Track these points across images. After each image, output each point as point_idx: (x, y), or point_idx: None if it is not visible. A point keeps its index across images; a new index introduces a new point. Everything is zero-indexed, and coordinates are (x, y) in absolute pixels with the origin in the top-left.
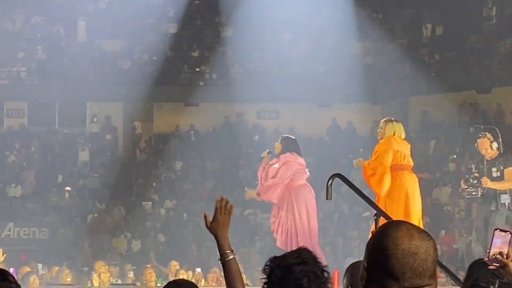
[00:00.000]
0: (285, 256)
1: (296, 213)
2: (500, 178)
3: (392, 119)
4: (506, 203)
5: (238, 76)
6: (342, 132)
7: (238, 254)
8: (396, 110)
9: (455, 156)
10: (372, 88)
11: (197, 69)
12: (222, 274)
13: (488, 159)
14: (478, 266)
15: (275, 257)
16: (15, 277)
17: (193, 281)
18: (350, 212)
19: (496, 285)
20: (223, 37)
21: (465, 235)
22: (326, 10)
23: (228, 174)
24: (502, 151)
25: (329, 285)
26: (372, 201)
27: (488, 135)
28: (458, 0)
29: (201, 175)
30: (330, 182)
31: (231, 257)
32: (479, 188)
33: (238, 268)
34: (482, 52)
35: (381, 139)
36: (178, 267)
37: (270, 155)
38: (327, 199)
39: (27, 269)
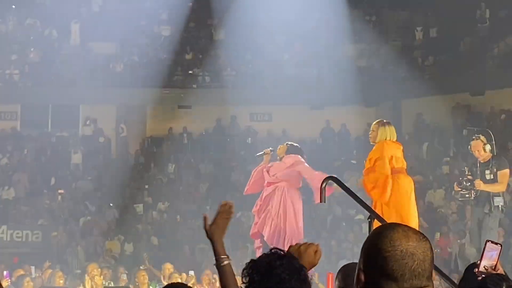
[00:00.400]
0: (261, 256)
1: (288, 211)
2: (494, 181)
3: (384, 121)
4: (500, 206)
5: (231, 78)
6: (336, 135)
7: (231, 256)
8: (390, 112)
9: (448, 158)
10: (366, 90)
11: (190, 72)
12: (215, 276)
13: (481, 161)
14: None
15: (252, 260)
16: (9, 280)
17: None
18: (343, 215)
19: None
20: (216, 39)
21: (458, 238)
22: (319, 12)
23: (221, 176)
24: (495, 154)
25: (309, 280)
26: (366, 204)
27: (482, 137)
28: (452, 2)
29: (194, 177)
30: (324, 184)
31: (226, 262)
32: (472, 191)
33: (233, 273)
34: (475, 55)
35: (373, 142)
36: (172, 270)
37: (272, 153)
38: (320, 201)
39: (21, 272)
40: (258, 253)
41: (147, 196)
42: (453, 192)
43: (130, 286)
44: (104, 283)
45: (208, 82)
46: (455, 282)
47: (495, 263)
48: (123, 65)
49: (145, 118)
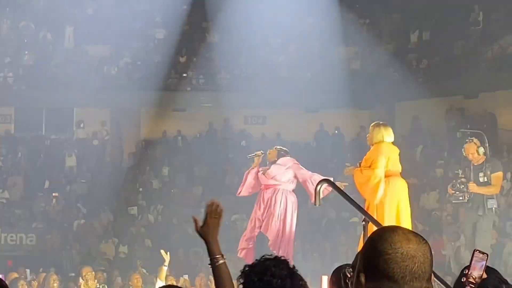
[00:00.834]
0: (257, 262)
1: (287, 213)
2: (487, 183)
3: (381, 123)
4: (493, 208)
5: (225, 81)
6: (330, 138)
7: (226, 259)
8: (383, 115)
9: (442, 161)
10: (359, 93)
11: (184, 75)
12: (211, 278)
13: (475, 164)
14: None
15: (248, 265)
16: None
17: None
18: (337, 218)
19: None
20: (210, 42)
21: (452, 241)
22: (313, 15)
23: (215, 179)
24: (489, 156)
25: (302, 283)
26: (361, 207)
27: (475, 140)
28: (445, 5)
29: (188, 180)
30: (318, 187)
31: (221, 261)
32: (466, 193)
33: (229, 272)
34: (469, 58)
35: (370, 144)
36: (167, 272)
37: (263, 155)
38: (315, 204)
39: (15, 275)
40: (247, 254)
41: (141, 199)
42: (447, 194)
43: None
44: (98, 286)
45: (202, 85)
46: (450, 284)
47: (482, 273)
48: (117, 68)
49: (139, 121)
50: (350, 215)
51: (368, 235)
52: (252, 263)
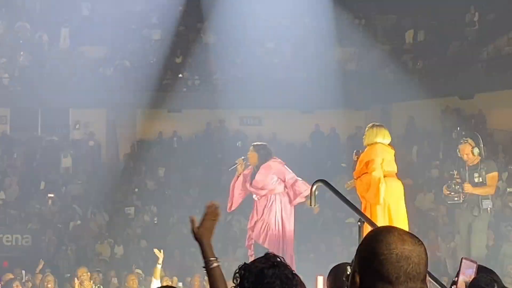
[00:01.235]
0: (254, 262)
1: (284, 218)
2: (482, 184)
3: (376, 124)
4: (488, 208)
5: (221, 82)
6: (325, 138)
7: (221, 261)
8: (379, 116)
9: (438, 162)
10: (355, 94)
11: (180, 75)
12: (206, 279)
13: (470, 164)
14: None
15: (244, 264)
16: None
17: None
18: (333, 218)
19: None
20: (206, 43)
21: (448, 241)
22: (308, 16)
23: (210, 180)
24: (483, 157)
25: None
26: (356, 207)
27: (470, 140)
28: (441, 6)
29: (183, 181)
30: (314, 188)
31: (215, 264)
32: (461, 194)
33: (223, 275)
34: (464, 58)
35: (366, 144)
36: (162, 273)
37: (245, 162)
38: (310, 205)
39: (10, 276)
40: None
41: (136, 200)
42: (442, 195)
43: None
44: (94, 286)
45: (198, 85)
46: (445, 285)
47: (471, 280)
48: (113, 68)
49: (135, 122)
50: (345, 215)
51: (364, 236)
52: (246, 264)
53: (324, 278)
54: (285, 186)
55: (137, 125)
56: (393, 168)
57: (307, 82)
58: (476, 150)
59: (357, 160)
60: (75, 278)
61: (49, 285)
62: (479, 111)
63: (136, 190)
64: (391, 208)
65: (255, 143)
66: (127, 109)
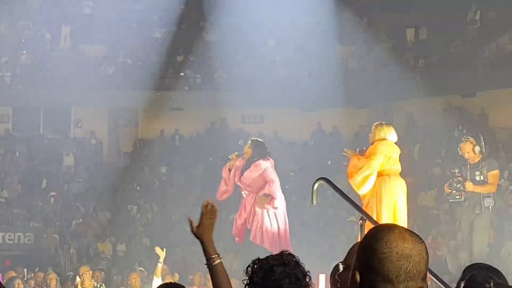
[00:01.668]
0: (267, 258)
1: (278, 218)
2: (484, 182)
3: (383, 122)
4: (490, 207)
5: (223, 80)
6: (327, 137)
7: (224, 258)
8: (381, 114)
9: (439, 160)
10: (357, 92)
11: (182, 74)
12: (208, 277)
13: (471, 163)
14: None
15: (257, 259)
16: (1, 282)
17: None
18: (335, 217)
19: (492, 284)
20: (208, 41)
21: (449, 239)
22: (310, 15)
23: (212, 178)
24: (485, 155)
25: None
26: (358, 205)
27: (471, 139)
28: (442, 4)
29: (185, 179)
30: (315, 186)
31: (217, 261)
32: (463, 192)
33: (226, 272)
34: (466, 56)
35: (372, 143)
36: (165, 271)
37: (238, 157)
38: (312, 203)
39: (12, 274)
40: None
41: (139, 198)
42: (444, 194)
43: None
44: (96, 285)
45: (199, 84)
46: (447, 283)
47: None
48: (114, 67)
49: (137, 120)
50: (347, 214)
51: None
52: (259, 259)
53: (326, 276)
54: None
55: (139, 124)
56: (398, 166)
57: (309, 80)
58: (477, 148)
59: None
60: (78, 277)
61: (51, 283)
62: (481, 109)
63: (138, 188)
64: (393, 206)
65: (253, 139)
66: (129, 108)
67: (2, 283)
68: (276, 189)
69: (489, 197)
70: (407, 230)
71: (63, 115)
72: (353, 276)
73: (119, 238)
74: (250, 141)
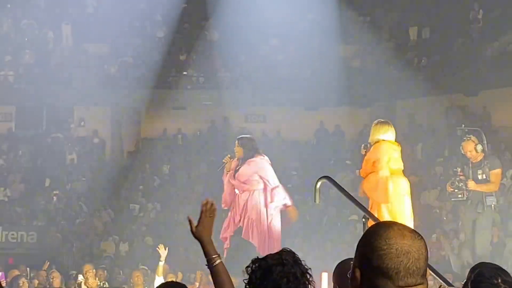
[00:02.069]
0: (266, 257)
1: (268, 214)
2: (486, 181)
3: (382, 120)
4: (492, 205)
5: (225, 79)
6: (330, 136)
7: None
8: (383, 113)
9: (442, 159)
10: (360, 91)
11: (184, 73)
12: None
13: (473, 161)
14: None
15: (256, 258)
16: (4, 281)
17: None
18: (338, 215)
19: (499, 280)
20: (210, 41)
21: (452, 238)
22: (313, 13)
23: (215, 177)
24: (487, 154)
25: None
26: (361, 204)
27: (473, 137)
28: (445, 3)
29: (188, 178)
30: (318, 184)
31: (218, 261)
32: (465, 191)
33: (226, 271)
34: (469, 55)
35: (372, 141)
36: (167, 270)
37: (232, 159)
38: (315, 201)
39: (16, 272)
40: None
41: (141, 197)
42: (447, 192)
43: (125, 286)
44: (99, 283)
45: (202, 83)
46: (450, 282)
47: None
48: (117, 66)
49: (140, 119)
50: (350, 212)
51: None
52: (258, 259)
53: (328, 275)
54: (265, 188)
55: (141, 123)
56: (400, 165)
57: (312, 79)
58: (479, 147)
59: (365, 154)
60: (80, 275)
61: (54, 282)
62: (484, 108)
63: (141, 187)
64: (397, 205)
65: (239, 136)
66: (131, 107)
67: (6, 282)
68: (279, 190)
69: (492, 195)
70: (405, 226)
71: (66, 114)
72: (353, 274)
73: (122, 237)
74: (237, 141)
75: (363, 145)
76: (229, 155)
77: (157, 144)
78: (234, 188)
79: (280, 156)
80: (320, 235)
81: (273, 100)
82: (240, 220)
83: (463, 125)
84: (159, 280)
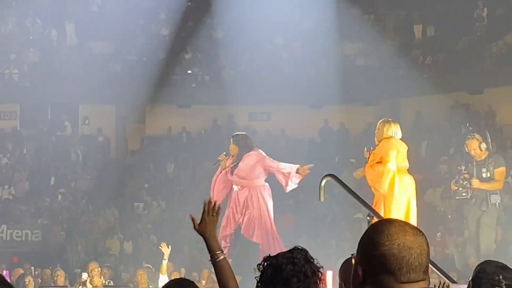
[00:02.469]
0: (277, 255)
1: (268, 210)
2: (490, 179)
3: (389, 119)
4: (497, 203)
5: (230, 78)
6: (334, 134)
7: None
8: (388, 111)
9: (447, 157)
10: (364, 89)
11: (189, 71)
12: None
13: (478, 160)
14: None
15: (268, 256)
16: (9, 280)
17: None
18: (342, 213)
19: (501, 277)
20: (215, 39)
21: (457, 236)
22: (317, 12)
23: None
24: (491, 152)
25: (321, 286)
26: (365, 202)
27: (477, 136)
28: (450, 1)
29: (193, 176)
30: (323, 182)
31: (221, 257)
32: (469, 189)
33: (230, 267)
34: (473, 53)
35: (378, 140)
36: (171, 268)
37: (227, 157)
38: (320, 200)
39: (20, 271)
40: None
41: (146, 195)
42: (451, 191)
43: (130, 284)
44: (104, 281)
45: (207, 81)
46: (454, 280)
47: None
48: (121, 64)
49: (144, 118)
50: (354, 210)
51: None
52: (270, 257)
53: (333, 273)
54: (273, 174)
55: (146, 121)
56: (406, 163)
57: (316, 77)
58: (483, 145)
59: (368, 157)
60: (84, 273)
61: (59, 280)
62: (489, 107)
63: (146, 185)
64: (405, 203)
65: (234, 134)
66: (136, 105)
67: (10, 281)
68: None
69: (496, 194)
70: (407, 223)
71: (70, 112)
72: (355, 271)
73: (126, 235)
74: (232, 139)
75: (366, 148)
76: (224, 153)
77: (162, 142)
78: (227, 186)
79: (284, 154)
80: (325, 233)
81: (277, 98)
82: (240, 218)
83: (467, 123)
84: (163, 278)
